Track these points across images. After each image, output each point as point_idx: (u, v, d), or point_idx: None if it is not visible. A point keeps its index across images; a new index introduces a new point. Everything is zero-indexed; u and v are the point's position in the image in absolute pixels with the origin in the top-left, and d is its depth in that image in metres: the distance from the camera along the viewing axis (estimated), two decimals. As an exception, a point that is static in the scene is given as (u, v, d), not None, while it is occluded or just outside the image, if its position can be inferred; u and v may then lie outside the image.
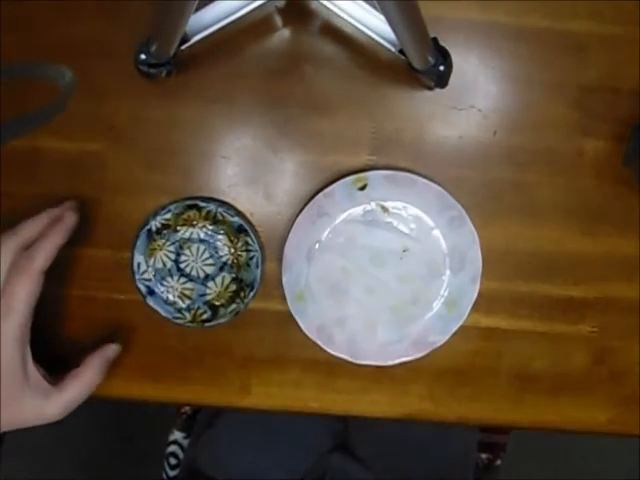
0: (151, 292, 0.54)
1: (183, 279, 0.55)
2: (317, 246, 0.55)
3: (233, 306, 0.54)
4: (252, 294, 0.54)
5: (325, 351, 0.54)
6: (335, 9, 0.50)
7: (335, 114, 0.55)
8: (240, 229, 0.54)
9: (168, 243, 0.55)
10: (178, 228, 0.54)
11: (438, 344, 0.55)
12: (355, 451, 0.71)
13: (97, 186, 0.55)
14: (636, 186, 0.55)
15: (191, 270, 0.55)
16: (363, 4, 0.49)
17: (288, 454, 0.71)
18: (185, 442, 0.87)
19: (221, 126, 0.54)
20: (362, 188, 0.54)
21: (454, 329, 0.54)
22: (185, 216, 0.54)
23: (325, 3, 0.50)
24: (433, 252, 0.55)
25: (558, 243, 0.56)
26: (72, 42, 0.54)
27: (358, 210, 0.55)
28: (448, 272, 0.55)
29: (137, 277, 0.54)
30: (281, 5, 0.53)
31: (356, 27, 0.50)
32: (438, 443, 0.73)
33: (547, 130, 0.55)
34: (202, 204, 0.53)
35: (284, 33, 0.54)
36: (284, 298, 0.54)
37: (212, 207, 0.54)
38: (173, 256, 0.55)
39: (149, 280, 0.54)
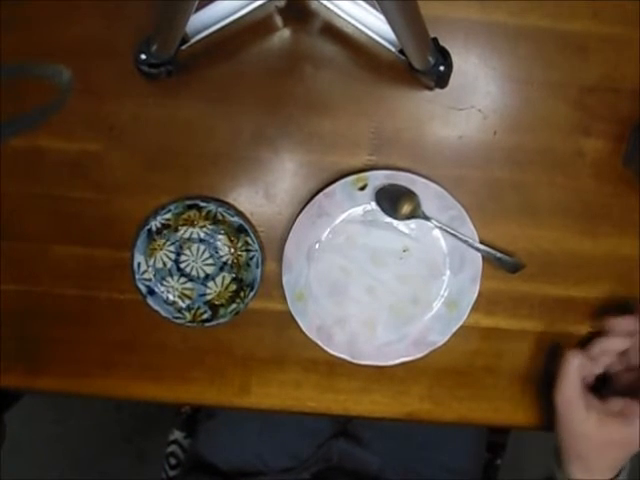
0: (151, 292, 0.54)
1: (183, 279, 0.55)
2: (317, 246, 0.55)
3: (233, 306, 0.54)
4: (252, 294, 0.54)
5: (325, 351, 0.54)
6: (335, 9, 0.50)
7: (335, 114, 0.55)
8: (240, 229, 0.54)
9: (168, 243, 0.55)
10: (178, 228, 0.54)
11: (438, 344, 0.55)
12: (358, 435, 0.71)
13: (97, 186, 0.55)
14: (636, 186, 0.55)
15: (191, 270, 0.55)
16: (363, 4, 0.49)
17: (290, 440, 0.71)
18: (185, 442, 0.87)
19: (221, 126, 0.54)
20: (362, 188, 0.54)
21: (454, 329, 0.54)
22: (185, 216, 0.54)
23: (325, 3, 0.50)
24: (433, 252, 0.55)
25: (558, 243, 0.56)
26: (72, 42, 0.54)
27: (358, 210, 0.55)
28: (448, 272, 0.55)
29: (137, 277, 0.54)
30: (281, 5, 0.53)
31: (356, 27, 0.50)
32: (441, 435, 0.73)
33: (547, 130, 0.55)
34: (202, 204, 0.53)
35: (284, 33, 0.54)
36: (284, 298, 0.54)
37: (212, 207, 0.53)
38: (173, 256, 0.55)
39: (149, 280, 0.54)
